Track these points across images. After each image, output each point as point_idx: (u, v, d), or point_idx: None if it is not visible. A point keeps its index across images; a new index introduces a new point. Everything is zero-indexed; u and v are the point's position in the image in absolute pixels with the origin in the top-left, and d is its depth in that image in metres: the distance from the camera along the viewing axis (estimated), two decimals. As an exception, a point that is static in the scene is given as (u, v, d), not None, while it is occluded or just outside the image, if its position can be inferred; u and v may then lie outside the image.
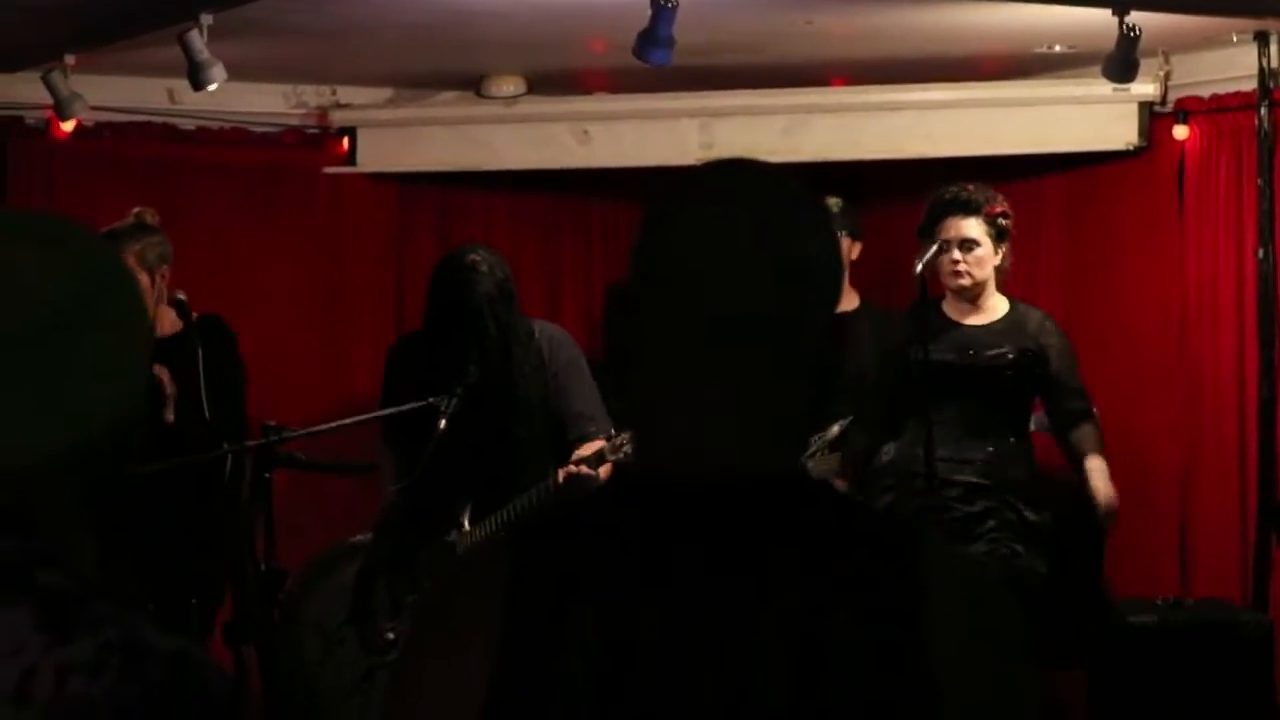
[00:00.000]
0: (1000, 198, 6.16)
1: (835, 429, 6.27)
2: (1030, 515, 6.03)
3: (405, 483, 6.06)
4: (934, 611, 1.70)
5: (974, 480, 6.01)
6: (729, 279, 1.75)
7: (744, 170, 1.85)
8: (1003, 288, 6.23)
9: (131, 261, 6.09)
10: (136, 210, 6.29)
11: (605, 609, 1.70)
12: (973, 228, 6.07)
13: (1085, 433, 6.17)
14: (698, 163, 1.88)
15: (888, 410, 6.21)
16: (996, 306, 6.19)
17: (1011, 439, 6.12)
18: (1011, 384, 6.11)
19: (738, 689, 1.66)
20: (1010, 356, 6.08)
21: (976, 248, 6.08)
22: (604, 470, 5.89)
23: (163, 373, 5.95)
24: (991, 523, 5.99)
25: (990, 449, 6.05)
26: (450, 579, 1.89)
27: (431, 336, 6.18)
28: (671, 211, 1.82)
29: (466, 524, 6.08)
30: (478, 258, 6.09)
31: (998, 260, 6.13)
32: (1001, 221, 6.11)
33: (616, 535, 1.74)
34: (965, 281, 6.11)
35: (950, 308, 6.21)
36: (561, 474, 5.93)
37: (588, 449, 6.01)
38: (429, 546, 6.09)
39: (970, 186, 6.14)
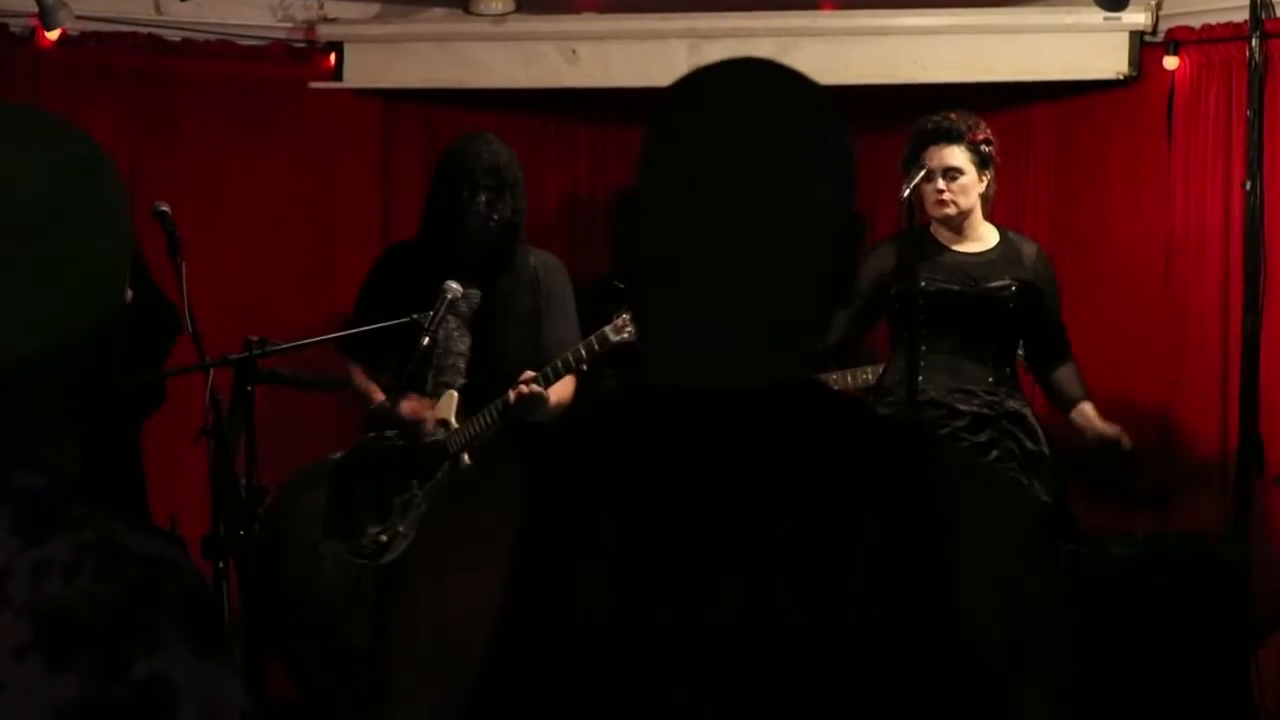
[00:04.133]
0: (983, 125, 6.17)
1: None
2: (1030, 445, 6.07)
3: (392, 396, 6.09)
4: (956, 520, 1.67)
5: (978, 410, 6.05)
6: (738, 186, 1.71)
7: (755, 70, 1.79)
8: (989, 215, 6.24)
9: None
10: None
11: (624, 517, 1.66)
12: (956, 155, 6.09)
13: (1070, 373, 6.25)
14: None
15: (853, 332, 6.21)
16: (986, 234, 6.22)
17: (1007, 370, 6.16)
18: (1010, 315, 6.12)
19: (759, 601, 1.63)
20: (1013, 288, 6.11)
21: (961, 175, 6.11)
22: (554, 389, 5.95)
23: None
24: (996, 453, 6.02)
25: (990, 379, 6.09)
26: (460, 489, 1.85)
27: (437, 215, 6.23)
28: (680, 113, 1.77)
29: (453, 421, 6.10)
30: (491, 136, 6.25)
31: (982, 188, 6.15)
32: (985, 149, 6.13)
33: (632, 443, 1.71)
34: (950, 210, 6.14)
35: (940, 234, 6.23)
36: (512, 395, 5.96)
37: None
38: (418, 448, 6.10)
39: (953, 115, 6.16)
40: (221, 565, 5.49)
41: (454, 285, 5.89)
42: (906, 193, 5.88)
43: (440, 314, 5.85)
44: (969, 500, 1.69)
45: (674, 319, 1.75)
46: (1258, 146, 6.75)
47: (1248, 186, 6.76)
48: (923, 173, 5.99)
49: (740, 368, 1.72)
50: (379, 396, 6.22)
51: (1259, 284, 6.76)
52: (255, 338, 5.63)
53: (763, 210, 1.71)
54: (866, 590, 1.63)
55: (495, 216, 6.10)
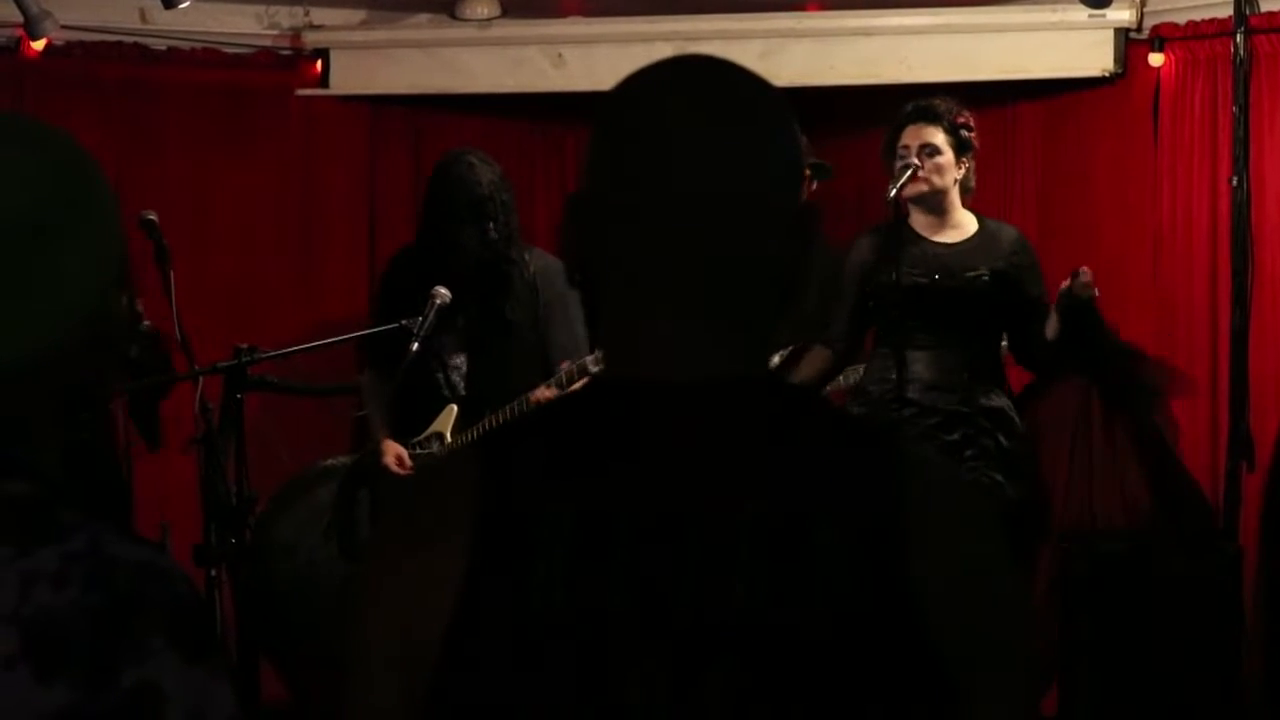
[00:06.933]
0: (965, 111, 6.09)
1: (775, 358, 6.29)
2: (1006, 442, 5.95)
3: (387, 400, 6.13)
4: (916, 517, 1.67)
5: (953, 407, 5.92)
6: (690, 183, 1.71)
7: (699, 67, 1.80)
8: (969, 205, 6.12)
9: None
10: None
11: (582, 506, 1.67)
12: (933, 134, 6.00)
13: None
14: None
15: (854, 331, 6.17)
16: (965, 223, 6.09)
17: (987, 363, 6.03)
18: (986, 305, 6.00)
19: (716, 594, 1.64)
20: (985, 278, 5.97)
21: (938, 154, 5.99)
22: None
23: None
24: (970, 451, 5.89)
25: (967, 374, 5.94)
26: (420, 480, 1.87)
27: (429, 238, 6.26)
28: (627, 113, 1.78)
29: (449, 436, 6.12)
30: (474, 159, 6.25)
31: (960, 173, 6.03)
32: (964, 133, 6.02)
33: (591, 435, 1.72)
34: (923, 188, 6.00)
35: (918, 224, 6.09)
36: (535, 396, 5.98)
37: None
38: (413, 457, 6.14)
39: (936, 99, 6.09)
40: (213, 573, 5.49)
41: (443, 290, 5.89)
42: (893, 192, 5.86)
43: (429, 319, 5.85)
44: (929, 498, 1.69)
45: (632, 317, 1.75)
46: (1243, 142, 6.76)
47: (1234, 182, 6.78)
48: (910, 172, 5.96)
49: (700, 362, 1.73)
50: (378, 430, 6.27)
51: (1246, 279, 6.78)
52: (244, 345, 5.63)
53: (715, 206, 1.72)
54: (823, 586, 1.63)
55: (481, 244, 6.15)
